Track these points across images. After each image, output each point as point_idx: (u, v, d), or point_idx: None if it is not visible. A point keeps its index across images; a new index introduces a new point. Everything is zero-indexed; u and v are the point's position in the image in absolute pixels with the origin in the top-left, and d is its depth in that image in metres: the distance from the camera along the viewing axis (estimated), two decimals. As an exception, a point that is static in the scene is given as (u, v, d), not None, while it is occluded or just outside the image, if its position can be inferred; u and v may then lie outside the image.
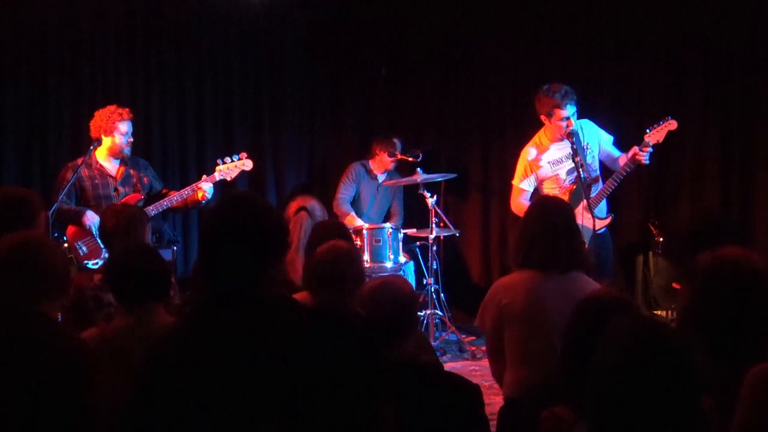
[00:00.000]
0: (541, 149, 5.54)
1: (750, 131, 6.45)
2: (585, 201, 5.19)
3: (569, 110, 5.35)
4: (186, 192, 5.83)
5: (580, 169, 5.20)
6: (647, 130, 5.31)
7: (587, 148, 5.46)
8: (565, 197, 5.39)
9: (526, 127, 6.79)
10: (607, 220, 5.34)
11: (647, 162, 5.30)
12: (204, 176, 5.92)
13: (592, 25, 6.93)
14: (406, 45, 7.60)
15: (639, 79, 6.77)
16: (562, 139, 5.40)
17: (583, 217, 5.20)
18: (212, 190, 5.88)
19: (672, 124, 5.22)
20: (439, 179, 6.65)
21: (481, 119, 7.43)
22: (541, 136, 5.60)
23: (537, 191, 5.65)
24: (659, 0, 6.68)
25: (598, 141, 5.51)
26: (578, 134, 5.38)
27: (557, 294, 3.41)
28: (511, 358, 3.50)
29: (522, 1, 7.19)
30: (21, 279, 2.72)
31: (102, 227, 4.41)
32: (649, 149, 5.23)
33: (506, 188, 7.16)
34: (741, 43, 6.39)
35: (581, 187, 5.20)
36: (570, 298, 3.32)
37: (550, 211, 3.62)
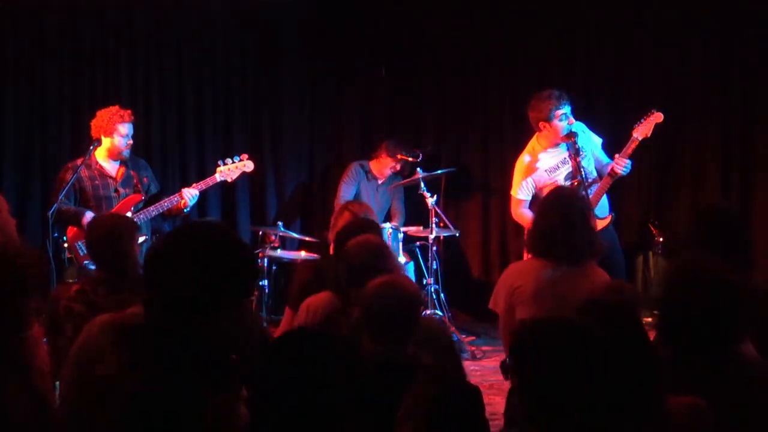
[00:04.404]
0: (536, 158, 5.51)
1: (750, 131, 6.46)
2: None
3: (566, 109, 5.36)
4: (175, 199, 5.75)
5: (582, 170, 5.20)
6: (635, 126, 5.31)
7: (582, 151, 5.43)
8: None
9: (525, 127, 6.77)
10: (607, 220, 5.34)
11: (625, 173, 5.30)
12: (194, 183, 5.88)
13: (591, 24, 6.93)
14: (406, 45, 7.59)
15: (638, 81, 6.77)
16: (556, 145, 5.39)
17: None
18: (195, 199, 5.80)
19: (658, 117, 5.22)
20: (440, 172, 6.69)
21: (481, 119, 7.43)
22: (534, 144, 5.56)
23: (537, 198, 5.61)
24: (657, 5, 6.69)
25: (590, 145, 5.49)
26: (578, 135, 5.38)
27: (566, 283, 3.56)
28: None
29: (522, 1, 7.19)
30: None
31: (86, 238, 4.17)
32: (627, 164, 5.23)
33: (506, 188, 7.15)
34: (741, 42, 6.39)
35: (583, 188, 5.20)
36: (578, 288, 3.49)
37: (565, 203, 3.73)
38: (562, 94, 5.37)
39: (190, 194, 5.74)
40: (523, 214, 5.51)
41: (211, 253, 2.06)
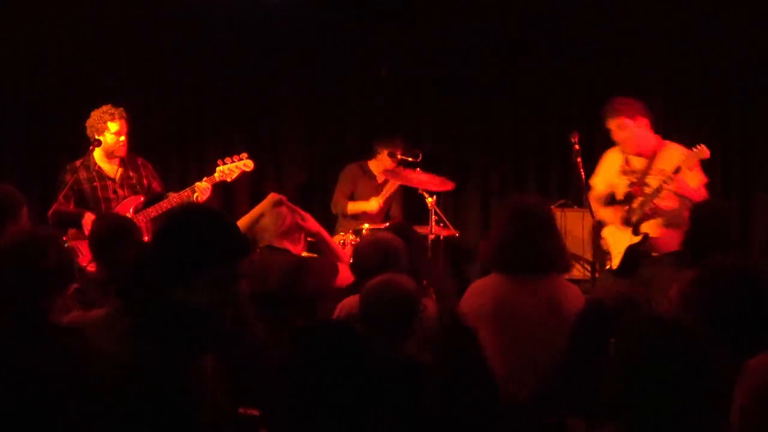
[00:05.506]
0: (612, 155, 5.48)
1: (750, 131, 6.46)
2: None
3: (611, 124, 5.32)
4: (185, 194, 5.78)
5: (580, 171, 5.18)
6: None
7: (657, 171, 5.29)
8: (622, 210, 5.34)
9: (525, 128, 6.83)
10: (637, 239, 5.26)
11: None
12: (205, 177, 5.88)
13: (591, 25, 6.93)
14: (407, 45, 7.59)
15: (638, 81, 6.76)
16: (638, 154, 5.32)
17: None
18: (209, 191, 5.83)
19: (703, 152, 5.13)
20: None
21: (481, 119, 7.43)
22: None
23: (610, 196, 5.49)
24: (658, 7, 6.69)
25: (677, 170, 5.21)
26: (578, 134, 5.35)
27: (529, 298, 3.44)
28: None
29: (521, 4, 7.19)
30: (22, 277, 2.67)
31: (90, 237, 4.16)
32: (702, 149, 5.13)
33: (506, 189, 7.19)
34: (741, 42, 6.40)
35: (638, 194, 5.15)
36: (545, 302, 3.40)
37: (522, 213, 3.59)
38: (609, 106, 5.30)
39: (205, 187, 5.75)
40: (594, 205, 5.43)
41: (195, 222, 2.21)
